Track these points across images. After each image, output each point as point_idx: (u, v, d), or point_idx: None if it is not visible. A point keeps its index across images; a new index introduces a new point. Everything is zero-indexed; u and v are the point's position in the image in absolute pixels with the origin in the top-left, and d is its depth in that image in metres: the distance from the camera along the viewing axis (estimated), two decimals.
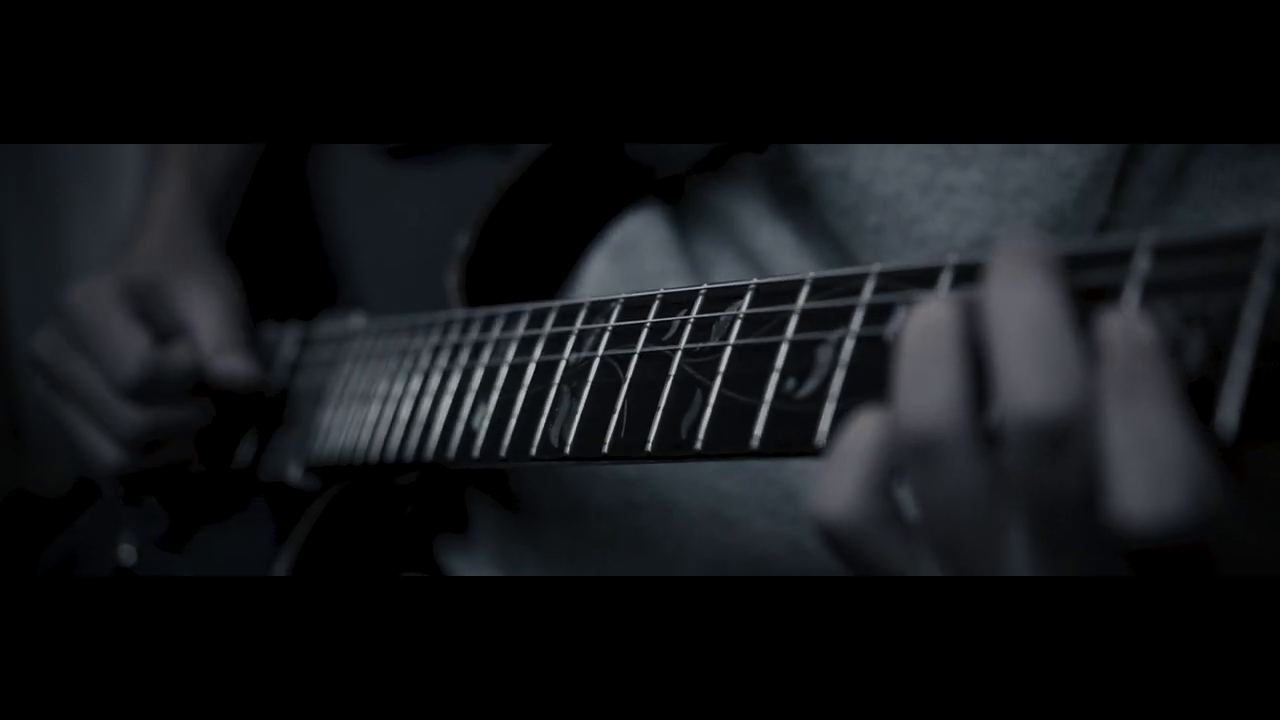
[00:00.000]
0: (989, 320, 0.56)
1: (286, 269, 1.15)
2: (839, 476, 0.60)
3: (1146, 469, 0.52)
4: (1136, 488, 0.52)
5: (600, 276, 1.04)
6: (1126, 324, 0.54)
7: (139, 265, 1.12)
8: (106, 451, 1.08)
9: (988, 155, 0.88)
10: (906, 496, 0.59)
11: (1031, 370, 0.54)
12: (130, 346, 1.05)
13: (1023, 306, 0.55)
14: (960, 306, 0.58)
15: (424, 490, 1.08)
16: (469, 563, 1.09)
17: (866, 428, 0.60)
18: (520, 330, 0.84)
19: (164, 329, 1.08)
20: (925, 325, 0.58)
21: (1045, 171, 0.87)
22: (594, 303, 0.80)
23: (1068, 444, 0.54)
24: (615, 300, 0.78)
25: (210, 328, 1.07)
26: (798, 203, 0.97)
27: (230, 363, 1.06)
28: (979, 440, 0.56)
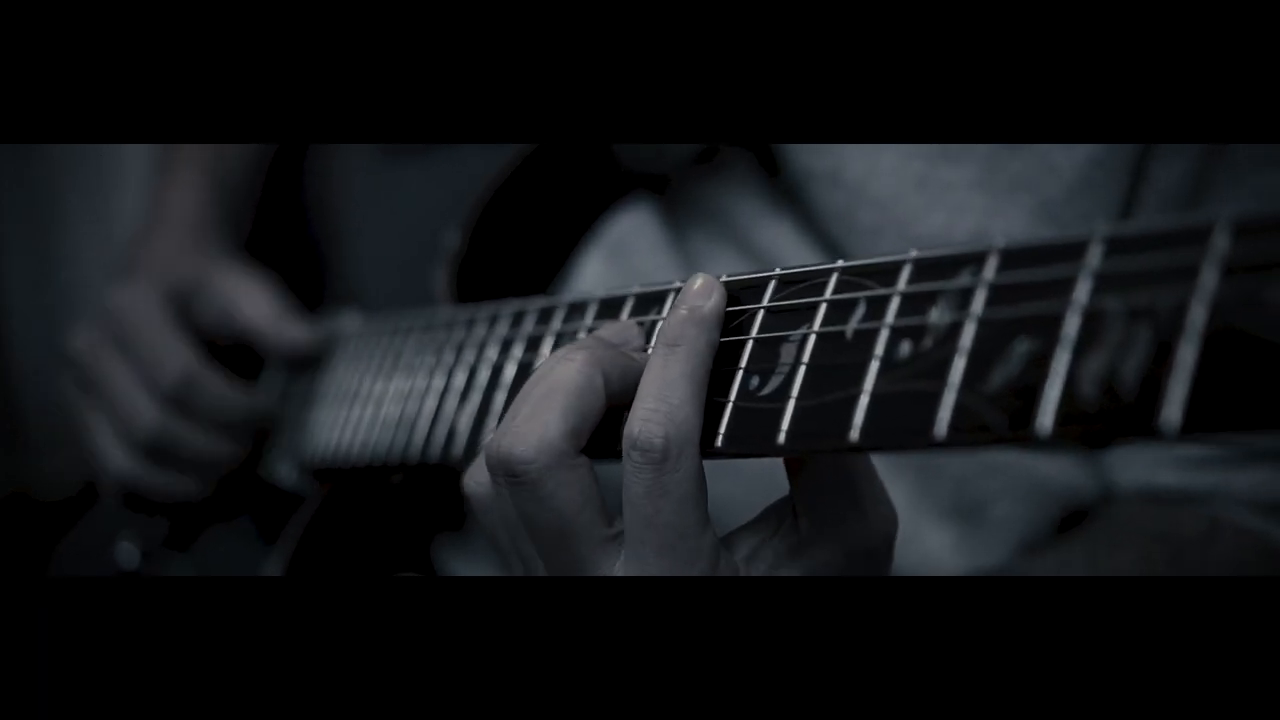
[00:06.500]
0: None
1: (280, 268, 1.15)
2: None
3: (654, 399, 0.63)
4: (639, 412, 0.64)
5: (596, 276, 1.03)
6: (701, 288, 0.65)
7: (176, 267, 1.14)
8: (116, 456, 1.10)
9: (979, 151, 0.89)
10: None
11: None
12: (176, 354, 1.08)
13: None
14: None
15: (420, 490, 1.07)
16: (466, 562, 1.08)
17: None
18: (502, 330, 0.84)
19: (210, 325, 1.10)
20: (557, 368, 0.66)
21: (1036, 166, 0.88)
22: (571, 303, 0.79)
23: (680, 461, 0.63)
24: (591, 299, 0.78)
25: (261, 305, 1.09)
26: (794, 198, 0.96)
27: (291, 331, 1.08)
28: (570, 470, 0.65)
